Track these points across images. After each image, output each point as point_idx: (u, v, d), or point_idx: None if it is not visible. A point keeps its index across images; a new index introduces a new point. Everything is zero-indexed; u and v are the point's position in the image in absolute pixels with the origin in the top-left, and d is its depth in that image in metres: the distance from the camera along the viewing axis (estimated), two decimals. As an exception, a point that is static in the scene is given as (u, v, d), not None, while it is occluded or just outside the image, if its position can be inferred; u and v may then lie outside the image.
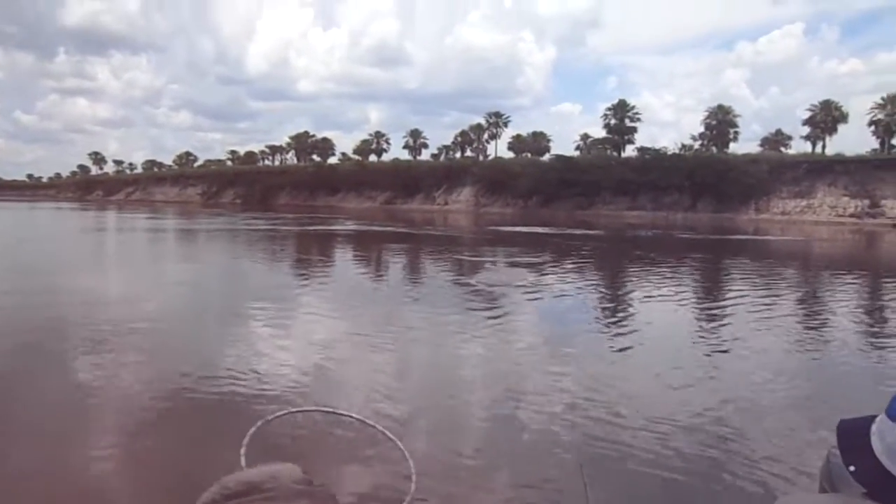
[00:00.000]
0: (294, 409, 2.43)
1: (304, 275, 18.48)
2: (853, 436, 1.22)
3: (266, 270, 19.71)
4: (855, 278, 19.05)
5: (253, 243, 28.95)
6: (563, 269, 19.93)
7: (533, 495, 4.72)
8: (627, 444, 5.54)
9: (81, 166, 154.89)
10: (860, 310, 13.56)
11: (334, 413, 2.85)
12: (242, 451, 1.79)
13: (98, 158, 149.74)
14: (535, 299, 13.75)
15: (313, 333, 10.28)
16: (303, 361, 8.45)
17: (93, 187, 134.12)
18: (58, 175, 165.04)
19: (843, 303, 14.10)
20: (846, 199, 53.78)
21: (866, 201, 52.44)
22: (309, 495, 0.73)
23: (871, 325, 11.83)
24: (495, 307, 12.56)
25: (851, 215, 51.95)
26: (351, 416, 2.61)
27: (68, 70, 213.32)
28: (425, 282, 17.56)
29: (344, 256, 25.69)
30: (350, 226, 42.67)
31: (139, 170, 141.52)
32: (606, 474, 5.02)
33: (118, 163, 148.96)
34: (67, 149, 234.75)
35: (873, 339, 10.48)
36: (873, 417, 1.22)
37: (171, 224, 44.11)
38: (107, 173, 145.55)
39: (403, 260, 23.60)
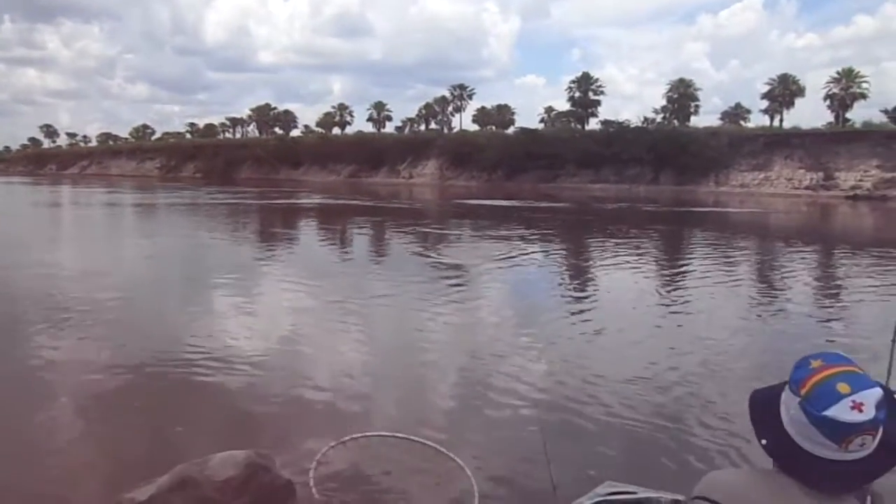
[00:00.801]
0: (361, 435, 2.43)
1: (270, 248, 18.25)
2: (763, 407, 1.23)
3: (231, 244, 19.39)
4: (807, 250, 19.67)
5: (217, 218, 28.43)
6: (529, 241, 20.08)
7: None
8: (574, 389, 5.97)
9: (32, 139, 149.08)
10: (809, 278, 14.05)
11: (407, 439, 2.85)
12: (311, 472, 1.79)
13: (50, 131, 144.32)
14: (498, 269, 13.86)
15: (280, 305, 10.21)
16: (269, 333, 8.41)
17: (45, 161, 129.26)
18: (7, 149, 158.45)
19: (793, 272, 14.55)
20: (802, 171, 55.13)
21: (821, 174, 53.86)
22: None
23: (814, 292, 12.27)
24: (460, 279, 12.64)
25: (807, 188, 53.35)
26: (422, 442, 2.63)
27: (15, 39, 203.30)
28: (390, 255, 17.53)
29: (310, 230, 25.44)
30: (315, 199, 42.18)
31: (94, 143, 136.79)
32: (561, 423, 5.30)
33: (71, 136, 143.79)
34: (17, 121, 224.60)
35: (813, 304, 10.89)
36: (784, 384, 1.22)
37: (132, 199, 42.96)
38: (60, 146, 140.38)
39: (369, 233, 23.48)
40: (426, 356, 7.49)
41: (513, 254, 16.14)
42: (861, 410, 1.08)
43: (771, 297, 11.70)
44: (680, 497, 2.86)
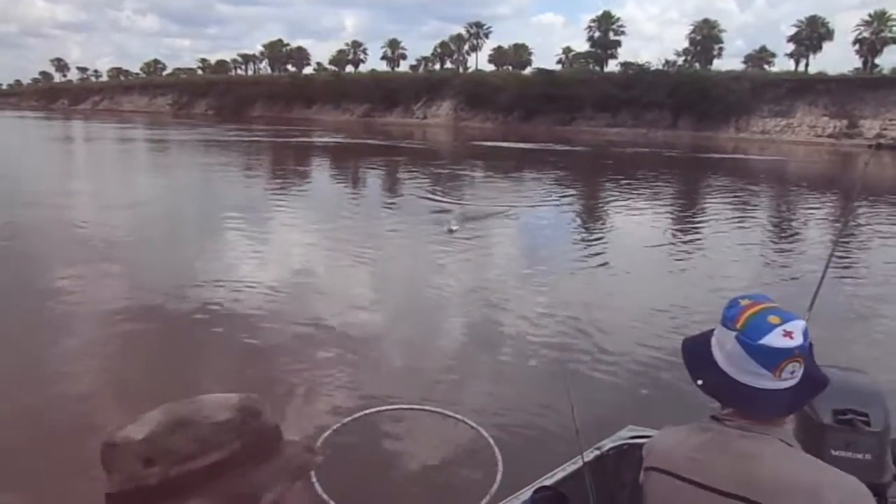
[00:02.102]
0: (373, 410, 2.42)
1: (296, 187, 18.24)
2: (696, 351, 1.32)
3: (254, 182, 19.42)
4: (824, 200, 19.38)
5: (235, 156, 28.32)
6: (548, 184, 19.91)
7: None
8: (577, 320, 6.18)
9: (44, 73, 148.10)
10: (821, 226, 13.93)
11: (421, 410, 2.86)
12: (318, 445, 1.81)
13: (61, 65, 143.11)
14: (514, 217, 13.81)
15: (294, 244, 10.28)
16: (282, 271, 8.49)
17: (57, 96, 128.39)
18: (18, 82, 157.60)
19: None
20: (825, 119, 53.73)
21: (844, 122, 52.47)
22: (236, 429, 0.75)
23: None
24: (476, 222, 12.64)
25: (829, 136, 52.12)
26: (437, 412, 2.64)
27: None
28: (403, 195, 17.48)
29: (329, 170, 25.35)
30: (334, 139, 41.82)
31: (105, 78, 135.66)
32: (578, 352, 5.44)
33: (82, 70, 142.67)
34: (26, 54, 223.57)
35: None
36: (712, 331, 1.33)
37: (150, 135, 42.81)
38: (71, 81, 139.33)
39: (385, 173, 23.37)
40: (437, 293, 7.57)
41: (534, 199, 16.05)
42: (791, 338, 1.19)
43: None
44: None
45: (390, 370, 5.40)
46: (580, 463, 2.52)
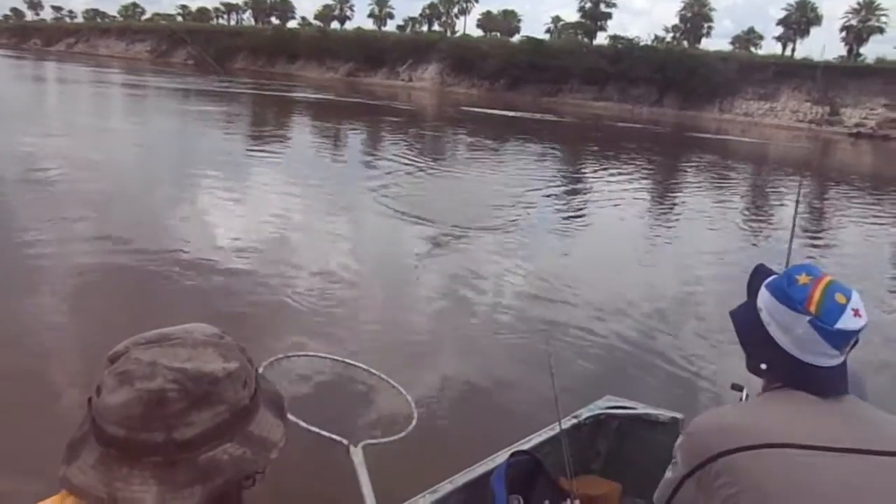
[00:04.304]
0: (289, 355, 2.39)
1: (278, 142, 17.94)
2: (752, 333, 1.25)
3: (236, 137, 19.04)
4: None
5: (217, 107, 27.70)
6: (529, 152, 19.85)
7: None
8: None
9: (15, 9, 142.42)
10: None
11: (331, 359, 2.84)
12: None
13: (34, 3, 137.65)
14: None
15: (274, 202, 10.15)
16: (257, 227, 8.39)
17: (29, 35, 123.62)
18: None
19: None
20: (808, 104, 54.11)
21: (827, 108, 52.92)
22: (215, 345, 0.78)
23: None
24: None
25: (811, 121, 52.59)
26: (349, 363, 2.62)
27: None
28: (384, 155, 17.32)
29: (317, 127, 24.95)
30: (319, 95, 41.07)
31: (80, 19, 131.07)
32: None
33: (56, 9, 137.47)
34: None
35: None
36: (754, 304, 1.26)
37: (125, 80, 41.58)
38: (44, 20, 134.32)
39: (371, 134, 23.11)
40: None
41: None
42: (860, 315, 1.16)
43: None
44: (678, 415, 2.94)
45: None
46: (557, 430, 2.54)
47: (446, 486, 2.40)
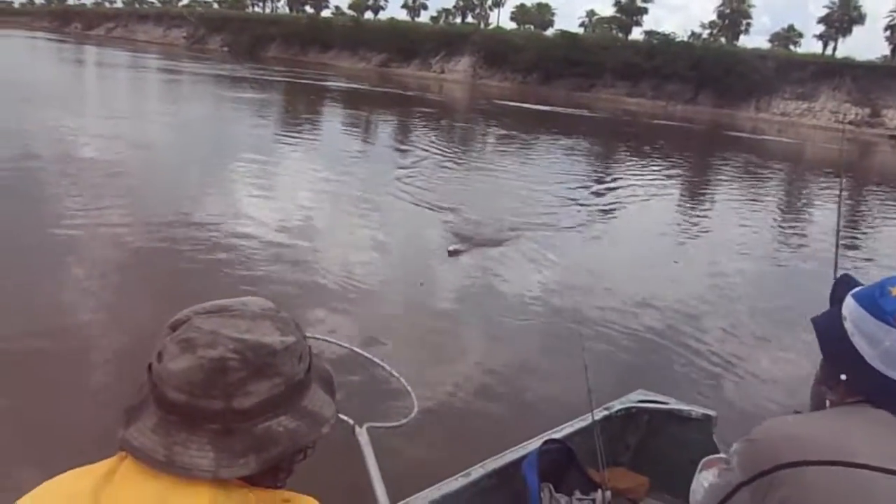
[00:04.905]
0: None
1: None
2: (836, 343, 1.17)
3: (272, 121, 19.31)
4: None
5: (256, 94, 28.07)
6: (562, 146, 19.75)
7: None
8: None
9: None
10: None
11: (326, 341, 2.87)
12: None
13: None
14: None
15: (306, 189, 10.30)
16: (289, 214, 8.54)
17: (70, 19, 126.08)
18: (31, 1, 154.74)
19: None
20: (847, 105, 52.78)
21: (867, 110, 51.56)
22: (272, 318, 0.80)
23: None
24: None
25: (850, 122, 51.27)
26: (347, 347, 2.65)
27: None
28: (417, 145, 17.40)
29: (351, 117, 25.15)
30: (353, 85, 41.28)
31: (119, 4, 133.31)
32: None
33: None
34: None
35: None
36: (839, 312, 1.19)
37: (164, 65, 42.28)
38: (84, 4, 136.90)
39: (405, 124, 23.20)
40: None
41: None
42: None
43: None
44: (711, 412, 2.96)
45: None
46: (589, 420, 2.59)
47: (478, 470, 2.46)
